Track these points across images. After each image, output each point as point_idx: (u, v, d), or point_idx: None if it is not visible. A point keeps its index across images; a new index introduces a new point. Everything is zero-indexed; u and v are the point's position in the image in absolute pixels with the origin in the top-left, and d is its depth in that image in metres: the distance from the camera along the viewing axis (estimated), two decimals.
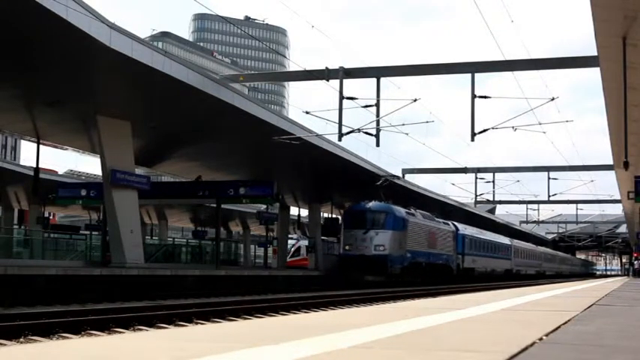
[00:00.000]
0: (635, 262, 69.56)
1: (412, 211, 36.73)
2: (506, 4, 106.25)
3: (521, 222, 74.59)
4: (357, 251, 32.30)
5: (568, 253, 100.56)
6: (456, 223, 45.06)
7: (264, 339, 4.26)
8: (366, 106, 24.03)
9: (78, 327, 10.88)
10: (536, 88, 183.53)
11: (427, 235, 37.30)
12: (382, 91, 24.01)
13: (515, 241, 62.65)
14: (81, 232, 46.39)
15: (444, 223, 42.10)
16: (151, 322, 12.10)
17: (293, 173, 36.50)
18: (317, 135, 27.84)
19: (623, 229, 79.37)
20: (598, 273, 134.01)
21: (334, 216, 47.42)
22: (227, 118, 25.05)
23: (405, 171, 46.75)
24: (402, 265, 33.28)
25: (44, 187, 31.11)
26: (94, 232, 41.27)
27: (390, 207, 33.85)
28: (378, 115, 23.88)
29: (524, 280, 57.44)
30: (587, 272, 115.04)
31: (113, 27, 17.96)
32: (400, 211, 34.39)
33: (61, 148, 31.40)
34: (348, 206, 37.34)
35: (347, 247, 32.83)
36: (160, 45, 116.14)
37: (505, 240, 58.48)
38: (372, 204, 33.71)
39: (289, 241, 49.16)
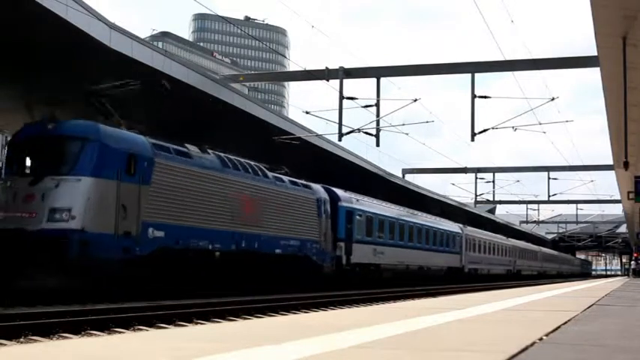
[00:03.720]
0: (633, 262, 69.58)
1: (186, 148, 18.74)
2: (506, 5, 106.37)
3: (521, 222, 74.71)
4: (11, 223, 15.20)
5: (568, 253, 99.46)
6: (335, 189, 27.35)
7: (264, 339, 4.26)
8: (366, 106, 24.09)
9: (78, 327, 10.87)
10: (537, 88, 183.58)
11: (231, 199, 19.74)
12: (382, 91, 24.10)
13: (470, 228, 45.79)
14: None
15: (292, 183, 23.59)
16: (151, 322, 12.10)
17: (295, 172, 36.50)
18: (317, 135, 27.88)
19: (623, 229, 79.46)
20: (597, 273, 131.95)
21: None
22: (227, 118, 25.06)
23: (405, 171, 46.86)
24: (126, 256, 16.02)
25: None
26: None
27: (97, 128, 16.42)
28: (378, 115, 23.92)
29: (485, 282, 41.85)
30: (582, 272, 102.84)
31: (113, 27, 17.99)
32: (127, 138, 16.91)
33: None
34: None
35: None
36: (160, 45, 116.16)
37: (449, 225, 41.44)
38: (58, 124, 16.54)
39: None
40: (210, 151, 19.85)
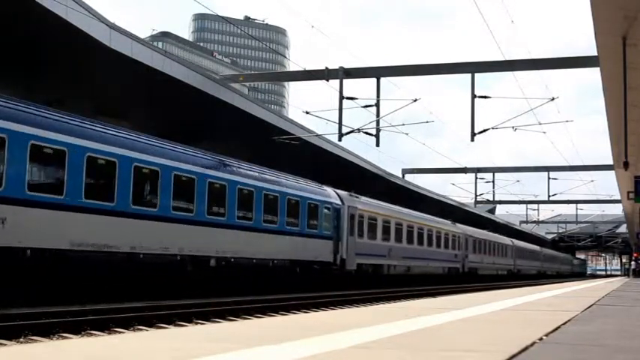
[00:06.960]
0: (633, 263, 69.65)
1: None
2: (506, 5, 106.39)
3: (521, 222, 74.71)
4: None
5: (568, 253, 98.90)
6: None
7: (264, 339, 4.26)
8: (366, 106, 24.09)
9: (78, 327, 10.88)
10: (537, 88, 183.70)
11: None
12: (382, 91, 24.11)
13: (366, 200, 29.43)
14: None
15: None
16: (151, 322, 12.10)
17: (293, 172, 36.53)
18: (317, 135, 27.87)
19: (623, 229, 79.48)
20: (595, 273, 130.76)
21: None
22: (227, 118, 25.05)
23: (405, 171, 46.88)
24: None
25: None
26: None
27: None
28: (378, 115, 23.92)
29: (396, 287, 28.10)
30: (573, 273, 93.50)
31: (113, 27, 17.99)
32: None
33: None
34: None
35: None
36: (160, 45, 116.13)
37: (310, 189, 25.22)
38: None
39: None
40: None
